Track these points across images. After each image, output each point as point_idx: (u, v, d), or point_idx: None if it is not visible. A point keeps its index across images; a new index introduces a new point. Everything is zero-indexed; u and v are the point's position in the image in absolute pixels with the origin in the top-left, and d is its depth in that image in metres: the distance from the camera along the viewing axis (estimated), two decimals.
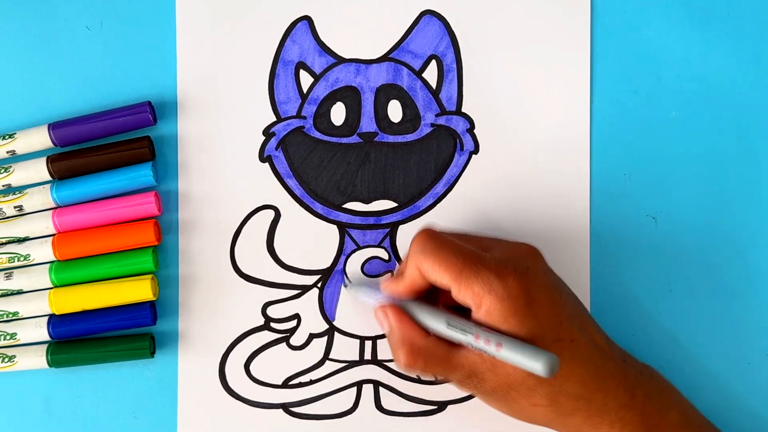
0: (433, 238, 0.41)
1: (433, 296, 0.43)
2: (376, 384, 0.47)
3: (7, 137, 0.47)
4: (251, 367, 0.47)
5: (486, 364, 0.40)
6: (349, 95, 0.48)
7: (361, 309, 0.47)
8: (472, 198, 0.47)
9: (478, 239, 0.43)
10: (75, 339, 0.47)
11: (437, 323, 0.41)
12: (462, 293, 0.39)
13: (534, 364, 0.37)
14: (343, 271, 0.47)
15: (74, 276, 0.46)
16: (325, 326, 0.47)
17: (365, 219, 0.48)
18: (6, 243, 0.47)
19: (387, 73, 0.48)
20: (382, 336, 0.47)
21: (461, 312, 0.41)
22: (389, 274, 0.47)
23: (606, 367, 0.40)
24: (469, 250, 0.40)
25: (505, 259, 0.40)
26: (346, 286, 0.47)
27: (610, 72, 0.47)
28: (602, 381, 0.40)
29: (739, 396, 0.47)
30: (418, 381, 0.47)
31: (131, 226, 0.46)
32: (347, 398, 0.47)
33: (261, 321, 0.47)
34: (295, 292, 0.47)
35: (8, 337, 0.47)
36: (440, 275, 0.40)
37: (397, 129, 0.48)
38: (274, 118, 0.48)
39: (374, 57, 0.48)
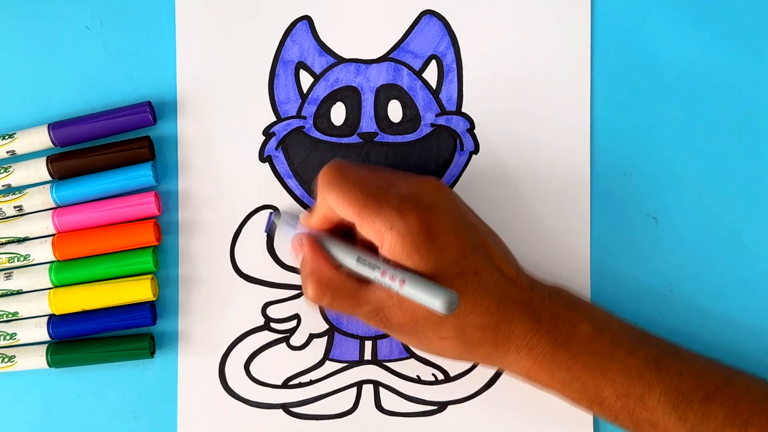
0: (339, 172, 0.40)
1: (351, 233, 0.42)
2: (376, 384, 0.47)
3: (7, 137, 0.47)
4: (251, 367, 0.47)
5: (392, 300, 0.40)
6: (349, 95, 0.48)
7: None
8: (472, 198, 0.47)
9: (387, 174, 0.42)
10: (75, 339, 0.47)
11: (348, 258, 0.41)
12: (365, 229, 0.39)
13: (433, 301, 0.37)
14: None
15: (74, 276, 0.46)
16: (325, 326, 0.47)
17: None
18: (6, 243, 0.47)
19: (387, 73, 0.48)
20: (383, 336, 0.47)
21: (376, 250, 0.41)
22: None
23: (511, 296, 0.40)
24: (374, 185, 0.40)
25: (409, 194, 0.40)
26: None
27: (610, 72, 0.47)
28: (507, 309, 0.40)
29: None
30: (418, 381, 0.47)
31: (131, 226, 0.46)
32: (347, 398, 0.47)
33: (261, 321, 0.47)
34: (295, 292, 0.47)
35: (8, 337, 0.47)
36: (344, 210, 0.40)
37: (397, 129, 0.48)
38: (274, 118, 0.48)
39: (374, 57, 0.48)
